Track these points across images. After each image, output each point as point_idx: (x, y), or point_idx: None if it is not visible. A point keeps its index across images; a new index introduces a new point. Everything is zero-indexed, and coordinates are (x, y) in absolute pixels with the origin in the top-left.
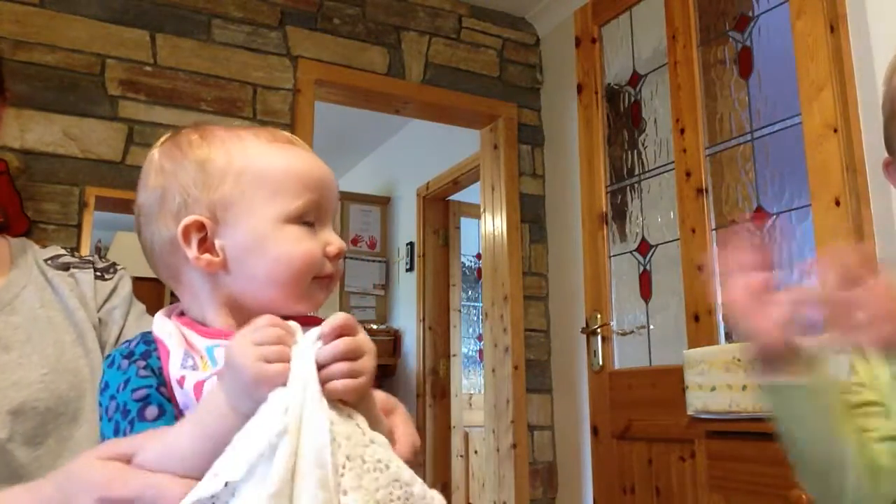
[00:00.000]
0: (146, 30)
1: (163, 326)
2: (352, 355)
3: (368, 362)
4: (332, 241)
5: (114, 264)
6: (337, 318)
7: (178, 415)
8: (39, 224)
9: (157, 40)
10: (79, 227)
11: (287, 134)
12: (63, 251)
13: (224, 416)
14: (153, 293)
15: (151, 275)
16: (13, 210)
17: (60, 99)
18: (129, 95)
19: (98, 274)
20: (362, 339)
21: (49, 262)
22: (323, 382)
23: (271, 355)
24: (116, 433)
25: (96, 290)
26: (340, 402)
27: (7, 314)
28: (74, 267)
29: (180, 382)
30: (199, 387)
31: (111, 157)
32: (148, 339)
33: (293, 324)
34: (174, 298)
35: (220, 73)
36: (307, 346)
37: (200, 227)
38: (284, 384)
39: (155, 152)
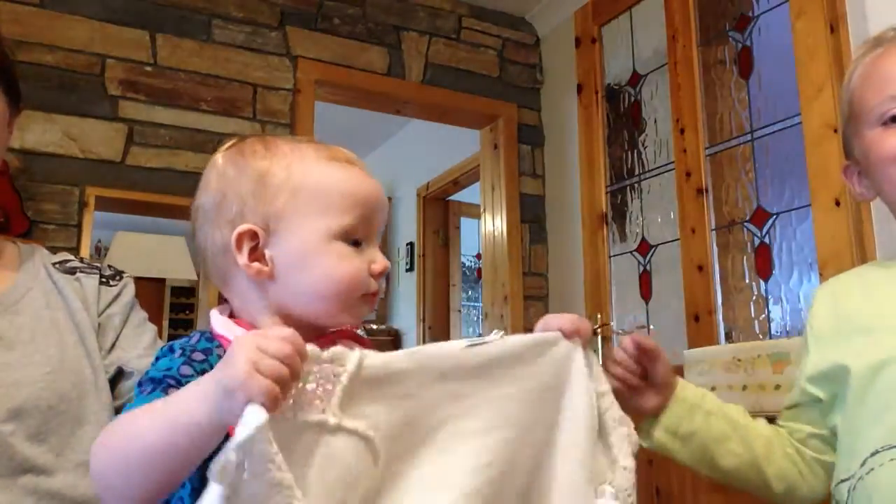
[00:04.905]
0: (146, 30)
1: (224, 324)
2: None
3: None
4: (377, 259)
5: (120, 272)
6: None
7: None
8: (39, 224)
9: (157, 40)
10: (79, 227)
11: (346, 152)
12: (72, 257)
13: (196, 399)
14: (154, 293)
15: (151, 274)
16: (13, 210)
17: (60, 99)
18: (129, 95)
19: (103, 280)
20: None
21: (57, 265)
22: None
23: (266, 369)
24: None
25: (99, 295)
26: None
27: (12, 314)
28: (81, 271)
29: None
30: None
31: (111, 157)
32: (209, 336)
33: (312, 349)
34: (174, 298)
35: (220, 73)
36: None
37: (253, 235)
38: (263, 403)
39: (219, 157)
